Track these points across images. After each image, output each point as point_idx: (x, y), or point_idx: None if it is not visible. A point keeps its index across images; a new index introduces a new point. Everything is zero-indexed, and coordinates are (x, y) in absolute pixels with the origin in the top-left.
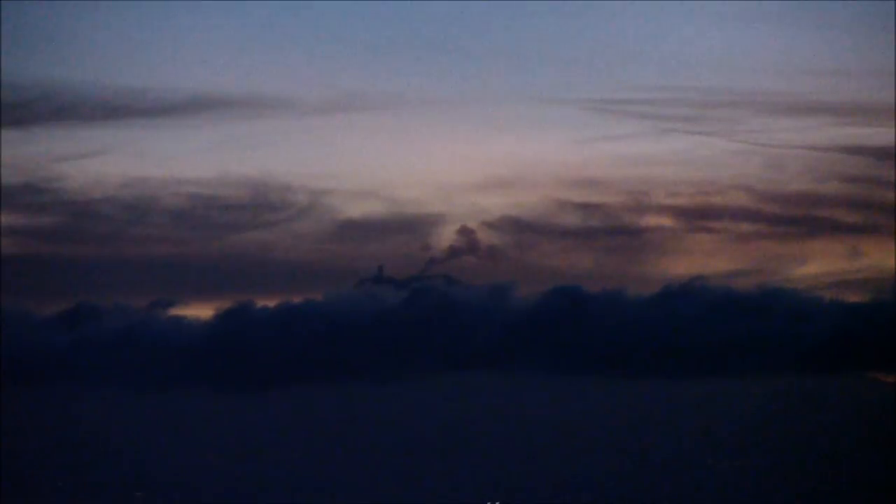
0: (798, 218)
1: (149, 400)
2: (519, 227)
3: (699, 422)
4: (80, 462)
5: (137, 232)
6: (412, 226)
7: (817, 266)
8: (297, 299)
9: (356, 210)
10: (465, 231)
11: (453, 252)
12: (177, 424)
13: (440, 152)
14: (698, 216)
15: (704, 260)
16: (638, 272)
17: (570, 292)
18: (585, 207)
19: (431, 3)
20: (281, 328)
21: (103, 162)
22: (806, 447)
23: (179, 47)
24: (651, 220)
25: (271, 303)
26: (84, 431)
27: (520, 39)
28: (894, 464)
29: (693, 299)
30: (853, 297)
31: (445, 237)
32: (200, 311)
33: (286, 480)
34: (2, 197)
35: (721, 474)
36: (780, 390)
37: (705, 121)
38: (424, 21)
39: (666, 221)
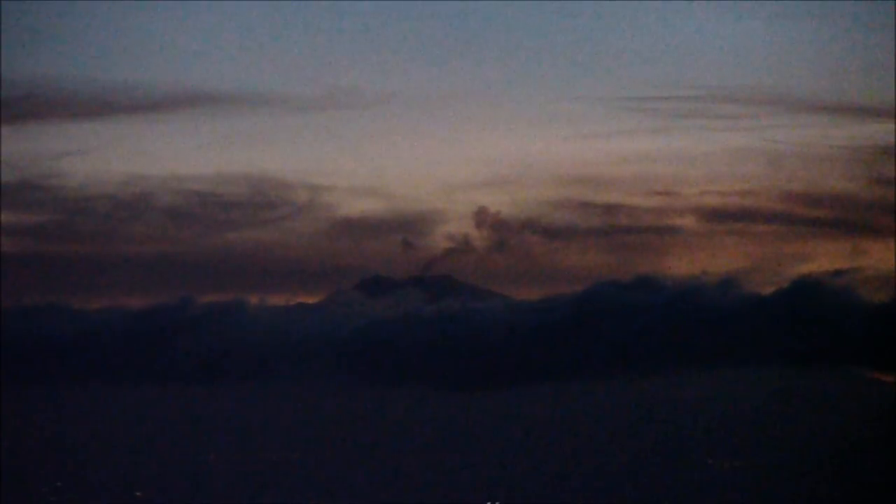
0: (801, 216)
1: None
2: (520, 226)
3: (699, 422)
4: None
5: (135, 230)
6: (412, 224)
7: (818, 265)
8: (296, 298)
9: (355, 208)
10: (480, 214)
11: (457, 249)
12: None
13: (441, 149)
14: (703, 214)
15: (707, 258)
16: (640, 270)
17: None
18: (587, 206)
19: (431, 0)
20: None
21: (100, 159)
22: (806, 447)
23: (177, 43)
24: (654, 218)
25: (273, 301)
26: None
27: (521, 36)
28: (894, 464)
29: (693, 298)
30: (854, 297)
31: (446, 236)
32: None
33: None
34: (1, 195)
35: (721, 474)
36: (780, 390)
37: (709, 118)
38: (424, 17)
39: (669, 219)
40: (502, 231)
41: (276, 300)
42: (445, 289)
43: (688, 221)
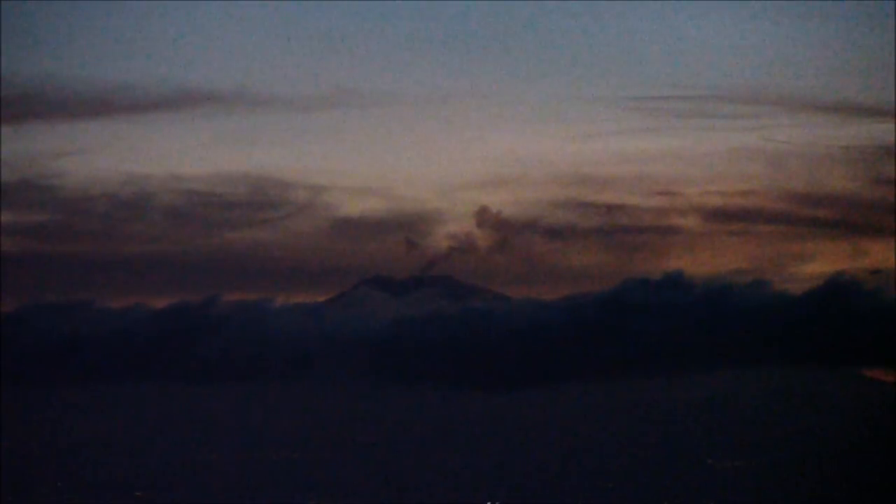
0: (801, 216)
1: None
2: (521, 226)
3: (699, 422)
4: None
5: (135, 230)
6: (413, 224)
7: (819, 265)
8: (297, 299)
9: (355, 208)
10: (482, 214)
11: (458, 248)
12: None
13: (441, 149)
14: (704, 214)
15: (708, 258)
16: (638, 270)
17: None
18: (588, 206)
19: (431, 0)
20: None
21: (100, 159)
22: (806, 447)
23: (177, 43)
24: (655, 218)
25: (274, 302)
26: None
27: (521, 36)
28: (894, 464)
29: (693, 297)
30: (855, 297)
31: (447, 235)
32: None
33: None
34: (1, 195)
35: (721, 474)
36: (779, 390)
37: (709, 118)
38: (424, 17)
39: (670, 220)
40: (504, 231)
41: (277, 300)
42: (447, 289)
43: (689, 221)
